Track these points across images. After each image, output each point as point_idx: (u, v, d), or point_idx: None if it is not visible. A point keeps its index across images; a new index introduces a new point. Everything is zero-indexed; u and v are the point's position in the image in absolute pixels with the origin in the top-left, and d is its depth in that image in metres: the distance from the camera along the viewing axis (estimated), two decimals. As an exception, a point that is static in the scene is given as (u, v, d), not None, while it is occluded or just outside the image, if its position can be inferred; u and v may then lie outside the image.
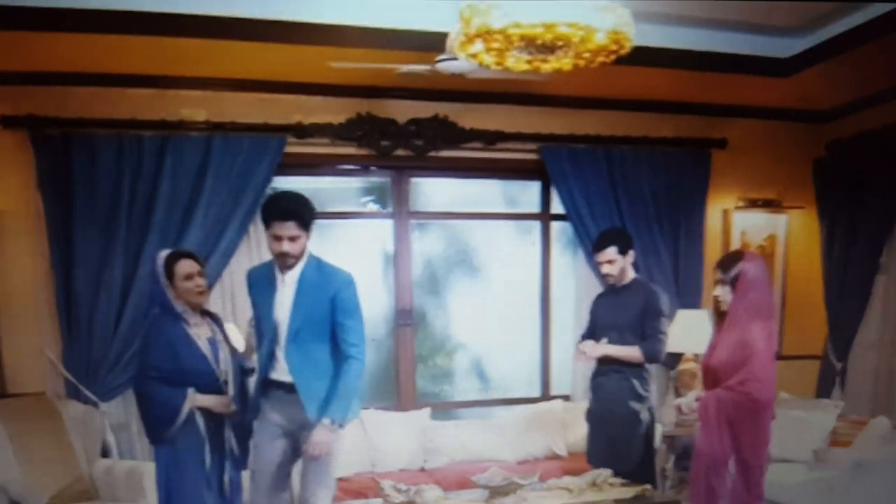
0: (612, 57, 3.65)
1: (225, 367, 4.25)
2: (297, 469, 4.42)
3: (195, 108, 5.89)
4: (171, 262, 4.17)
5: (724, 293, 4.17)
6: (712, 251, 6.82)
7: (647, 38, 4.57)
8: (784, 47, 5.82)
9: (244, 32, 4.96)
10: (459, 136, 6.42)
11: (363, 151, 6.30)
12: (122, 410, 5.72)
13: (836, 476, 5.21)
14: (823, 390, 7.00)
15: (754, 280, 4.12)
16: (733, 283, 4.12)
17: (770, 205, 7.21)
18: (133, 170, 5.70)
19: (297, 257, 4.13)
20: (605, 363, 5.15)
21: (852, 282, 6.81)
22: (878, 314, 6.66)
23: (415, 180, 6.66)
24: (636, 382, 5.06)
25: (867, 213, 6.65)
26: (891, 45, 5.27)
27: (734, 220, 7.12)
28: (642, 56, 4.23)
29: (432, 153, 6.42)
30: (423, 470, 6.04)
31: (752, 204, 7.16)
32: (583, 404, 5.60)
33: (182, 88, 5.87)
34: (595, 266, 5.65)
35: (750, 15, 5.48)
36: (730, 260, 4.27)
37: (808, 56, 5.76)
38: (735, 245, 7.03)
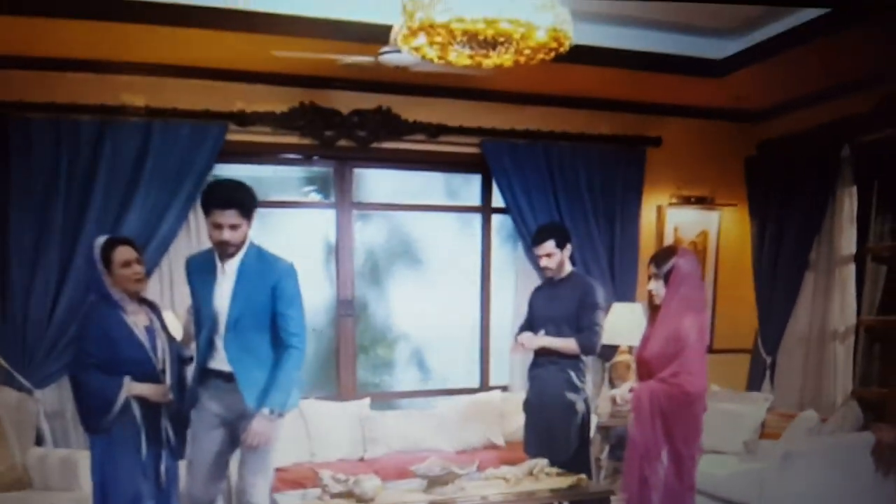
0: (552, 54, 3.67)
1: (162, 355, 4.18)
2: (234, 459, 4.37)
3: (135, 93, 5.77)
4: (108, 248, 4.09)
5: (657, 287, 4.21)
6: (647, 246, 6.88)
7: (586, 36, 4.63)
8: (718, 49, 5.90)
9: (187, 18, 4.88)
10: (402, 128, 6.38)
11: (306, 141, 6.24)
12: (56, 398, 5.61)
13: (766, 467, 5.22)
14: (754, 383, 7.06)
15: (687, 275, 4.16)
16: (667, 278, 4.17)
17: (703, 202, 7.27)
18: (71, 155, 5.59)
19: (238, 246, 4.08)
20: (542, 354, 5.18)
21: (782, 278, 6.87)
22: (807, 310, 6.69)
23: (358, 171, 6.61)
24: (572, 374, 5.09)
25: (797, 211, 6.72)
26: (821, 49, 5.36)
27: (668, 216, 7.17)
28: (581, 54, 4.26)
29: (375, 144, 6.37)
30: (362, 460, 5.99)
31: (686, 201, 7.23)
32: (520, 395, 5.60)
33: (123, 73, 5.73)
34: (534, 259, 5.66)
35: (685, 16, 5.54)
36: (663, 255, 4.30)
37: (741, 58, 5.84)
38: (668, 240, 7.07)
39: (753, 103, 6.94)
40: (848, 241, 6.42)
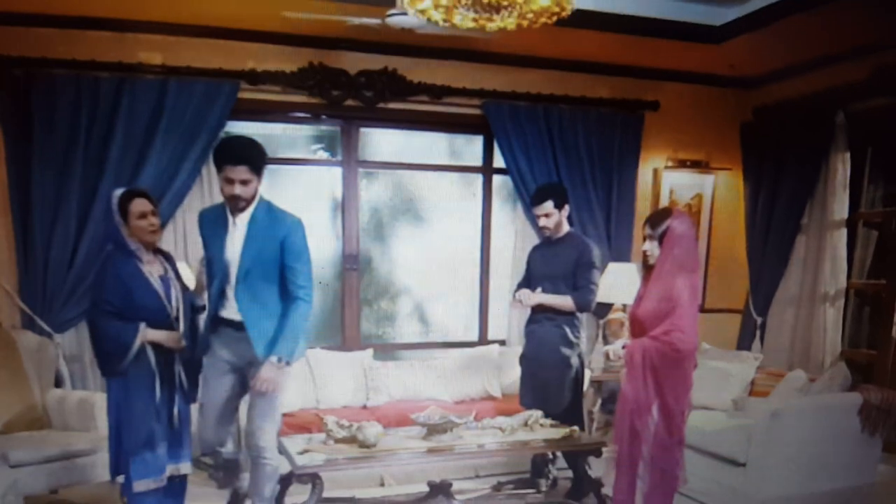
0: (554, 18, 3.67)
1: (176, 303, 4.19)
2: (244, 404, 4.43)
3: (152, 51, 5.77)
4: (125, 200, 4.07)
5: (652, 248, 4.15)
6: (643, 208, 6.90)
7: (588, 1, 4.59)
8: (716, 16, 5.87)
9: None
10: (407, 89, 6.38)
11: (314, 100, 6.24)
12: (75, 342, 5.68)
13: (754, 424, 5.16)
14: (744, 343, 7.07)
15: (681, 236, 4.10)
16: (661, 239, 4.11)
17: (698, 165, 7.26)
18: (90, 110, 5.61)
19: (249, 200, 4.10)
20: (539, 311, 5.21)
21: (774, 241, 6.84)
22: (798, 272, 6.66)
23: (364, 130, 6.61)
24: (567, 330, 5.13)
25: (790, 176, 6.68)
26: (818, 17, 5.32)
27: (664, 178, 7.15)
28: (582, 19, 4.28)
29: (381, 105, 6.37)
30: (364, 407, 6.05)
31: (681, 164, 7.20)
32: (517, 349, 5.67)
33: (140, 32, 5.75)
34: (533, 218, 5.69)
35: (685, -17, 5.52)
36: (658, 216, 4.24)
37: (738, 25, 5.81)
38: (664, 202, 7.08)
39: (749, 70, 6.90)
40: (840, 207, 6.38)
